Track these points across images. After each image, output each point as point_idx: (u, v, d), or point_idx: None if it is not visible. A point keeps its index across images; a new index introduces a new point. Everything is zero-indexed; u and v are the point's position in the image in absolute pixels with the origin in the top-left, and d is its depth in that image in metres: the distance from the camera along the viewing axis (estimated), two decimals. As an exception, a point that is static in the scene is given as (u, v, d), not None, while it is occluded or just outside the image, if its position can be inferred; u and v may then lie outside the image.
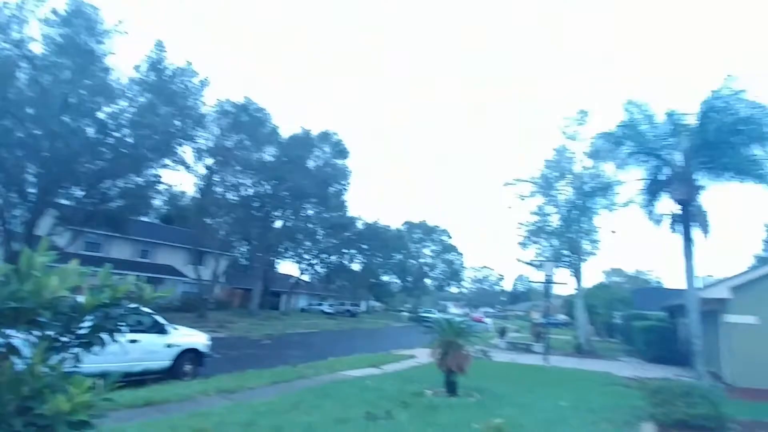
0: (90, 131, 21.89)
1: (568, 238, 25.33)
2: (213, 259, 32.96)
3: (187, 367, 10.03)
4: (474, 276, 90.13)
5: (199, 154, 30.27)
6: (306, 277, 52.56)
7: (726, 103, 11.51)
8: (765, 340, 11.40)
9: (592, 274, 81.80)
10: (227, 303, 36.42)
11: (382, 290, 67.81)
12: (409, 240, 62.59)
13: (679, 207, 12.10)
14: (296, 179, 32.65)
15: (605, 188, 23.91)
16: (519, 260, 28.65)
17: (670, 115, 12.67)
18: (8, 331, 2.23)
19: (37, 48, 20.17)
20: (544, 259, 24.40)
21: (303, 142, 34.99)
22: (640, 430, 6.48)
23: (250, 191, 34.08)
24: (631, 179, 14.33)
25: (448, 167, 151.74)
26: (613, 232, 31.28)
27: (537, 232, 27.16)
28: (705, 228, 11.85)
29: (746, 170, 11.61)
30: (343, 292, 56.60)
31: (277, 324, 29.20)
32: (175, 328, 10.29)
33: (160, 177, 26.40)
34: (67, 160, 20.34)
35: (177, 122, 25.01)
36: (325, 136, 39.05)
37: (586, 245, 25.56)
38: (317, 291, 55.76)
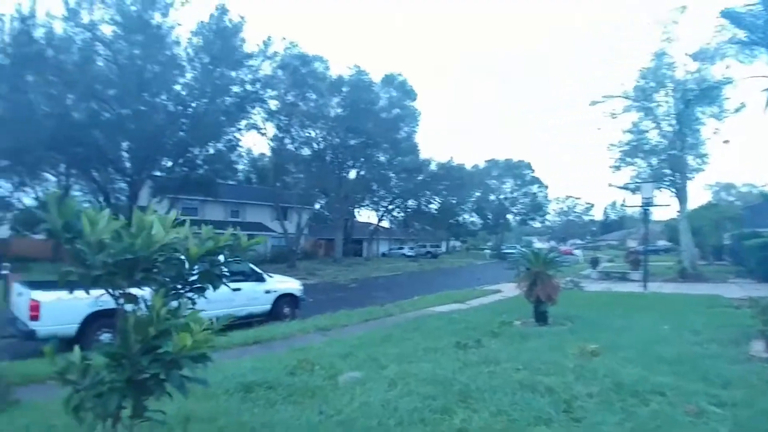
0: (169, 105, 23.65)
1: (669, 155, 22.73)
2: (296, 214, 35.09)
3: (286, 310, 11.09)
4: (559, 208, 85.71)
5: (270, 113, 31.37)
6: (385, 223, 54.05)
7: None
8: None
9: (699, 192, 73.20)
10: (313, 253, 39.05)
11: (462, 230, 67.62)
12: (488, 176, 60.79)
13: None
14: (365, 127, 32.70)
15: (713, 92, 20.75)
16: (611, 185, 26.49)
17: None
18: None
19: (107, 29, 21.55)
20: (641, 181, 22.27)
21: (367, 88, 34.53)
22: (750, 347, 5.96)
23: (322, 144, 35.00)
24: (745, 78, 12.15)
25: (524, 97, 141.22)
26: (725, 142, 27.26)
27: (632, 151, 24.64)
28: None
29: None
30: (422, 234, 57.51)
31: (361, 269, 30.80)
32: (271, 276, 11.32)
33: (238, 140, 28.16)
34: (153, 135, 22.26)
35: (247, 86, 26.06)
36: (389, 79, 38.09)
37: (691, 161, 22.81)
38: (397, 236, 57.27)
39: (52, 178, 28.87)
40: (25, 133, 18.19)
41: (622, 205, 67.11)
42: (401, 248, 53.21)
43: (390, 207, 49.09)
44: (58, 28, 20.75)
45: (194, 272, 2.86)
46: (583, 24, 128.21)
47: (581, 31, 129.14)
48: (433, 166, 46.84)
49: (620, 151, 25.01)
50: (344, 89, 33.74)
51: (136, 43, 21.50)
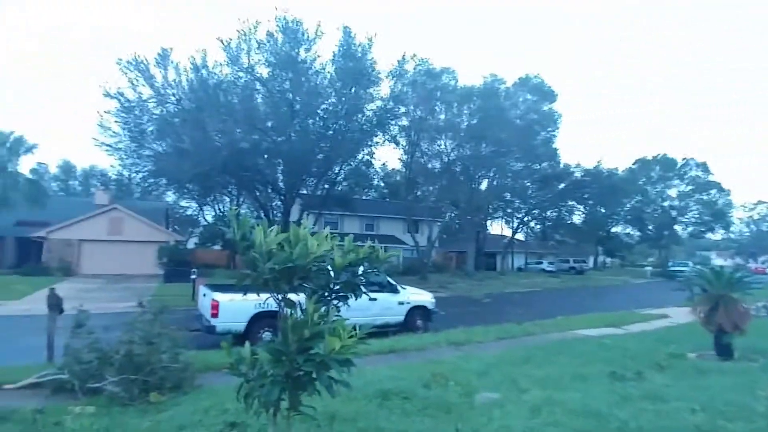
0: (314, 129, 26.55)
1: None
2: (426, 226, 35.72)
3: (418, 322, 11.31)
4: (748, 216, 70.09)
5: (401, 129, 32.77)
6: (520, 236, 51.40)
7: None
8: None
9: None
10: (444, 266, 39.06)
11: (615, 243, 60.23)
12: (647, 181, 53.28)
13: None
14: (497, 135, 31.83)
15: None
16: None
17: None
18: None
19: (263, 70, 25.23)
20: None
21: (499, 94, 33.67)
22: None
23: (452, 156, 35.14)
24: None
25: (688, 84, 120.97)
26: None
27: None
28: None
29: None
30: (564, 248, 53.04)
31: (495, 284, 29.70)
32: (404, 288, 11.67)
33: (373, 155, 30.17)
34: (302, 157, 25.22)
35: (378, 103, 27.81)
36: (524, 82, 36.54)
37: None
38: (534, 249, 53.92)
39: (226, 199, 34.78)
40: (205, 162, 22.40)
41: None
42: (540, 262, 49.81)
43: (526, 218, 46.58)
44: (226, 72, 25.11)
45: (338, 281, 3.17)
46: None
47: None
48: (577, 173, 43.12)
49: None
50: (475, 98, 33.43)
51: (286, 78, 24.79)
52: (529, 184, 39.56)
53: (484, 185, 38.27)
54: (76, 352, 5.27)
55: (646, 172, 53.89)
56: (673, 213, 53.63)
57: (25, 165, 28.28)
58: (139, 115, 24.61)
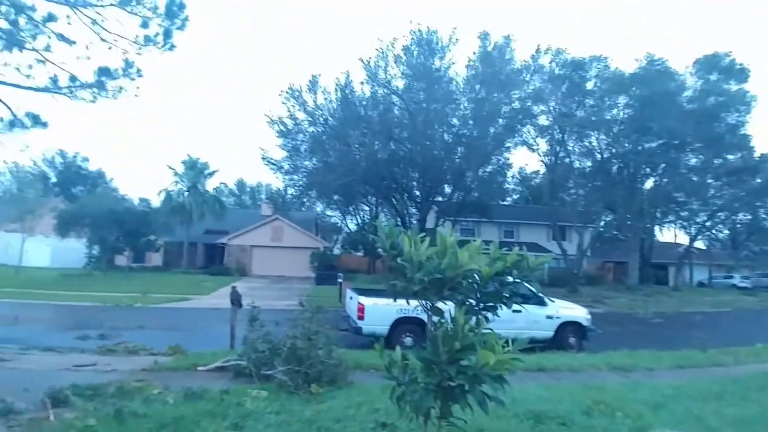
0: (447, 137, 26.76)
1: None
2: (576, 233, 32.61)
3: (571, 340, 10.33)
4: None
5: (541, 129, 30.81)
6: (700, 244, 43.49)
7: None
8: None
9: None
10: (598, 278, 35.11)
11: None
12: None
13: None
14: (664, 124, 27.61)
15: None
16: None
17: None
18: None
19: (399, 82, 26.41)
20: None
21: (665, 78, 29.06)
22: None
23: (606, 153, 31.60)
24: None
25: None
26: None
27: None
28: None
29: None
30: (764, 259, 43.13)
31: (667, 300, 25.58)
32: (552, 301, 10.79)
33: (508, 160, 29.07)
34: (436, 164, 25.63)
35: (515, 104, 26.69)
36: (702, 62, 31.04)
37: None
38: (721, 261, 44.98)
39: (366, 208, 37.25)
40: (348, 174, 24.39)
41: None
42: (730, 277, 41.37)
43: (708, 223, 39.13)
44: (366, 89, 27.02)
45: (486, 291, 3.10)
46: None
47: None
48: (781, 163, 34.69)
49: None
50: (634, 87, 29.51)
51: (421, 88, 25.53)
52: (711, 181, 33.23)
53: (648, 185, 33.51)
54: (252, 343, 6.19)
55: None
56: None
57: (209, 185, 35.44)
58: (294, 136, 28.14)
